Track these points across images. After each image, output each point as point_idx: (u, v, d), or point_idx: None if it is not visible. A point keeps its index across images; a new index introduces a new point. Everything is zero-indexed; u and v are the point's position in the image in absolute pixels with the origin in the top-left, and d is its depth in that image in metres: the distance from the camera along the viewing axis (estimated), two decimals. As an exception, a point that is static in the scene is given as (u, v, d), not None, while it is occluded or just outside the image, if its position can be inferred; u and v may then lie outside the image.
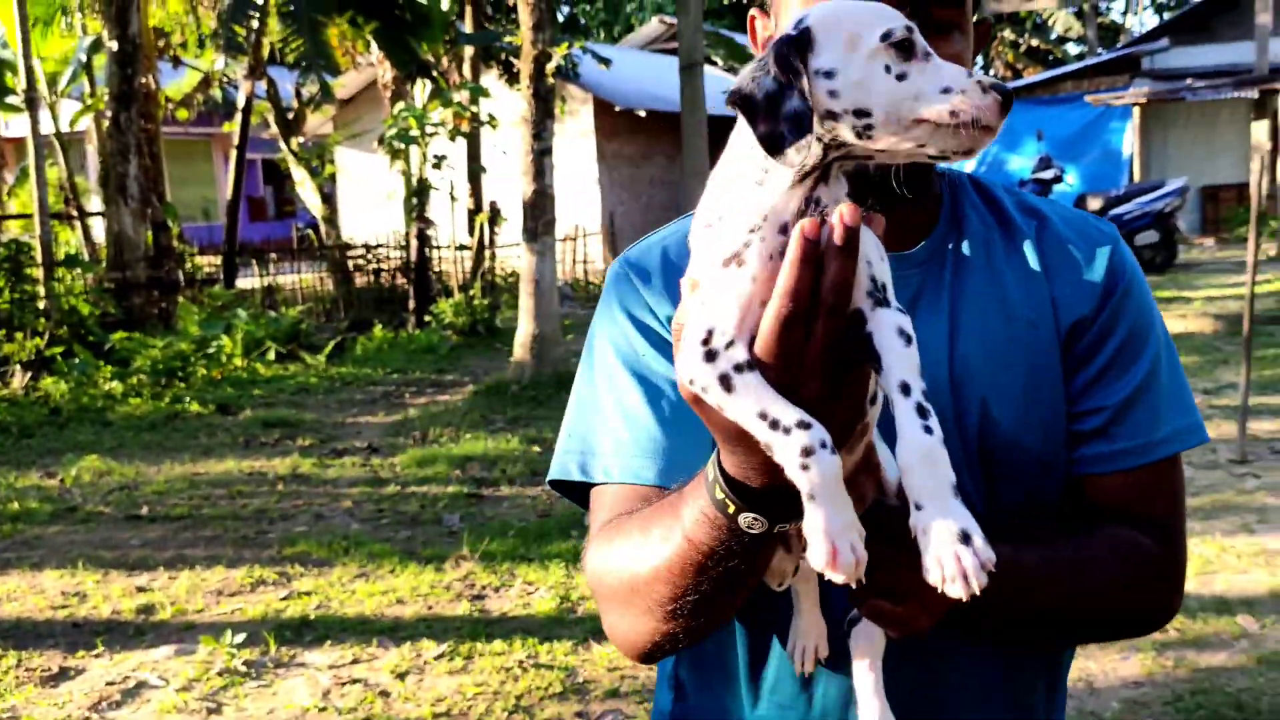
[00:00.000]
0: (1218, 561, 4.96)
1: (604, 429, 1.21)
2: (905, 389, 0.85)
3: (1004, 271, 1.20)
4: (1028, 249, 1.22)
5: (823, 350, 0.85)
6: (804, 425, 0.84)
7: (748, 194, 0.88)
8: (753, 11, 1.20)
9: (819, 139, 0.84)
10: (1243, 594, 4.61)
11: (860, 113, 0.84)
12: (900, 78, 0.85)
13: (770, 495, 0.90)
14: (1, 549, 5.86)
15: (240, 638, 4.47)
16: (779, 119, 0.83)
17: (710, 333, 0.86)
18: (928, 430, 0.85)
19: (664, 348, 1.18)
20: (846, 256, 0.83)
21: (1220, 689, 3.82)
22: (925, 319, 1.16)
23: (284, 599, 5.01)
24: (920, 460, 0.85)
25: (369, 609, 4.85)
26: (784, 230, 0.86)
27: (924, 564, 0.85)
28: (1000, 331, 1.17)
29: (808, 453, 0.83)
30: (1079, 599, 1.13)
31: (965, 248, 1.21)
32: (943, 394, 1.14)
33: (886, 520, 0.94)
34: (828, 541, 0.84)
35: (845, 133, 0.84)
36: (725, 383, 0.85)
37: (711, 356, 0.86)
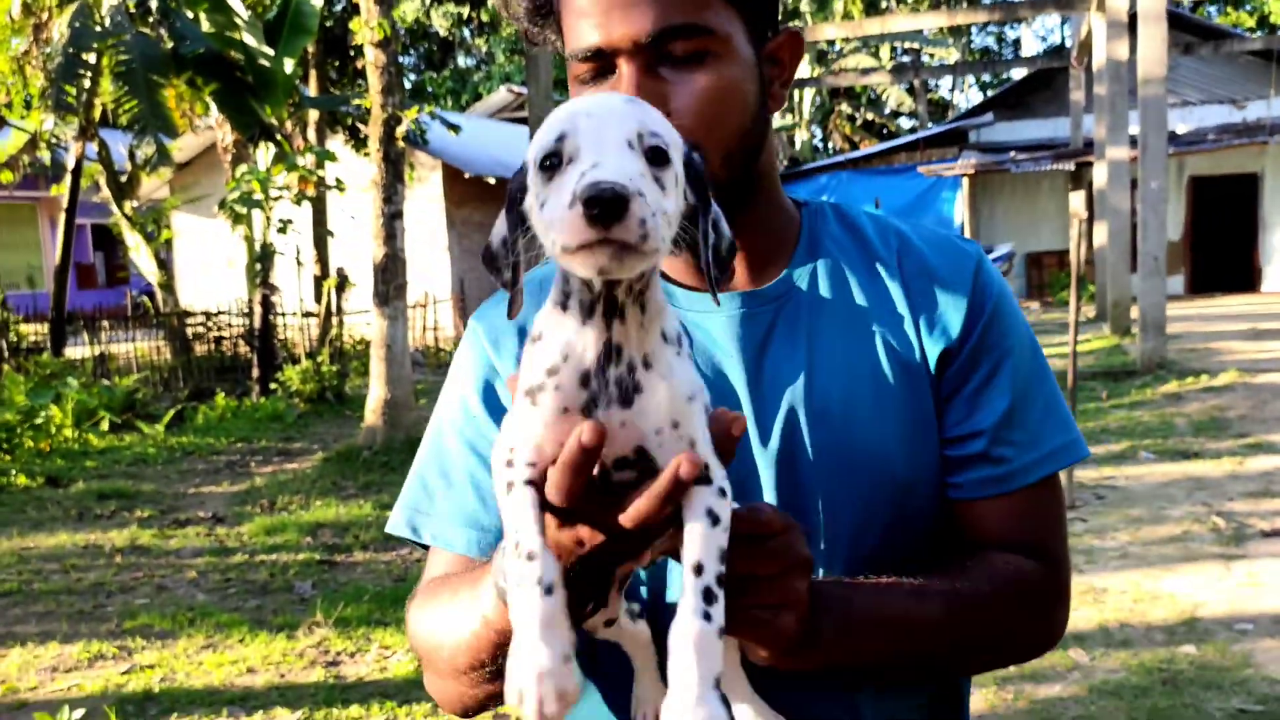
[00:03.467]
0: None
1: (431, 491, 1.23)
2: (698, 569, 0.82)
3: (863, 304, 1.17)
4: (889, 277, 1.19)
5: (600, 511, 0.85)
6: (531, 557, 0.81)
7: (553, 315, 0.85)
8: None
9: (516, 258, 0.84)
10: (1074, 629, 4.87)
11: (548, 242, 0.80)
12: (542, 206, 0.79)
13: None
14: None
15: (79, 714, 4.23)
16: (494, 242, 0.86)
17: (511, 447, 0.86)
18: (707, 617, 0.81)
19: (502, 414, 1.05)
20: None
21: (1056, 718, 4.04)
22: (781, 356, 1.14)
23: (125, 673, 4.78)
24: (687, 646, 0.81)
25: (218, 680, 4.68)
26: (585, 381, 0.83)
27: None
28: (860, 364, 1.14)
29: (523, 582, 0.81)
30: (971, 637, 1.12)
31: (822, 281, 1.18)
32: (798, 429, 1.12)
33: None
34: (515, 684, 0.80)
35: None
36: (507, 489, 0.85)
37: (509, 462, 0.86)
